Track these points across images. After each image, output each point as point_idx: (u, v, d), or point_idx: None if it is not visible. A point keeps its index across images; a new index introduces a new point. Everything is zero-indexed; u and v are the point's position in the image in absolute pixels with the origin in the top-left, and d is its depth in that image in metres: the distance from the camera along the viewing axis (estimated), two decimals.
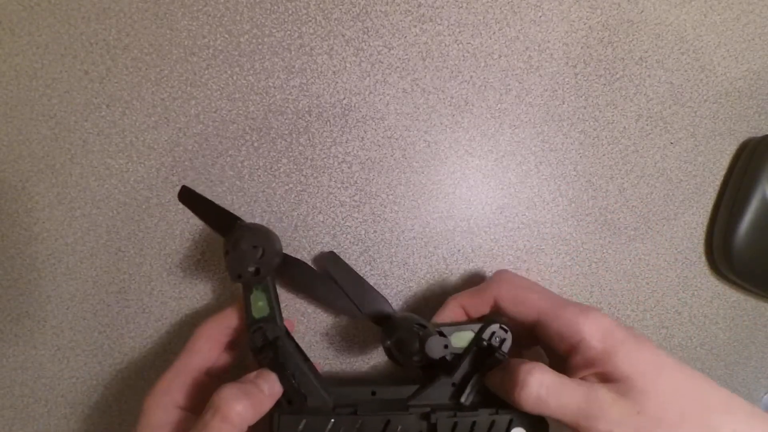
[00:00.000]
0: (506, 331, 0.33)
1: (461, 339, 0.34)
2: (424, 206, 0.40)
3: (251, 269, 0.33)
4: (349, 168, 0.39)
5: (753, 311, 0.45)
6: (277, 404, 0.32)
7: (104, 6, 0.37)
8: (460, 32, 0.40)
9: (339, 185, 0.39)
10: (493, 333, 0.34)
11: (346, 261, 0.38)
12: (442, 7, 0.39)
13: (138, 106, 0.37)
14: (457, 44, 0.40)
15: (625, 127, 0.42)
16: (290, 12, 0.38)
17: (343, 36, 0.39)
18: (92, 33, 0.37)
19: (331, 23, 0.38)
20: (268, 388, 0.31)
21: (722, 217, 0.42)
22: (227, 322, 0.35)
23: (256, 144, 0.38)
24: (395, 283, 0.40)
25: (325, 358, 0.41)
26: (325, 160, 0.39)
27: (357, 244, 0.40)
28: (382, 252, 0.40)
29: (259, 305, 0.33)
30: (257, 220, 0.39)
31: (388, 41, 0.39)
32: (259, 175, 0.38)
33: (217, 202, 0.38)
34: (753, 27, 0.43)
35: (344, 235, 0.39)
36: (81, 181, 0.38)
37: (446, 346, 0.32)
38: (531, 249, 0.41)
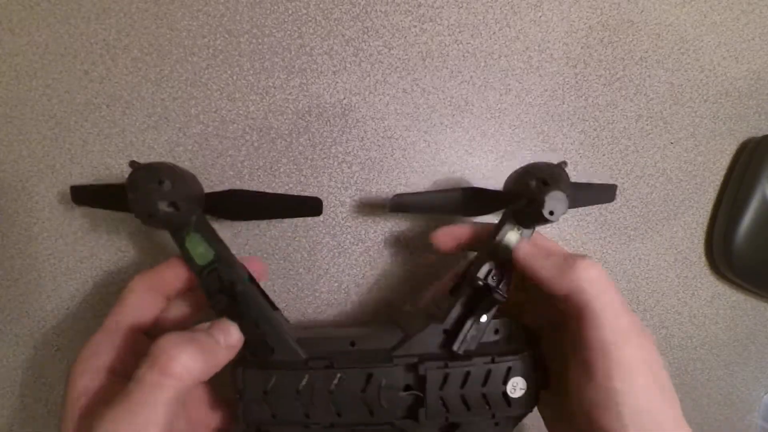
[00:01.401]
0: (503, 270, 0.30)
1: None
2: None
3: (164, 204, 0.27)
4: (349, 168, 0.39)
5: (753, 311, 0.45)
6: (240, 359, 0.28)
7: (104, 6, 0.37)
8: (460, 32, 0.40)
9: (339, 185, 0.39)
10: (489, 271, 0.30)
11: (346, 261, 0.38)
12: (442, 7, 0.39)
13: (138, 106, 0.37)
14: (457, 44, 0.40)
15: (625, 127, 0.42)
16: (290, 12, 0.38)
17: (343, 36, 0.39)
18: (92, 33, 0.37)
19: (331, 23, 0.38)
20: (223, 338, 0.26)
21: (722, 217, 0.42)
22: (167, 271, 0.29)
23: (256, 144, 0.38)
24: (396, 283, 0.40)
25: (294, 308, 0.39)
26: (325, 160, 0.39)
27: (357, 245, 0.40)
28: (383, 252, 0.40)
29: (200, 251, 0.29)
30: (257, 220, 0.39)
31: (388, 41, 0.39)
32: (259, 175, 0.38)
33: None
34: (753, 27, 0.43)
35: (344, 235, 0.39)
36: (81, 181, 0.38)
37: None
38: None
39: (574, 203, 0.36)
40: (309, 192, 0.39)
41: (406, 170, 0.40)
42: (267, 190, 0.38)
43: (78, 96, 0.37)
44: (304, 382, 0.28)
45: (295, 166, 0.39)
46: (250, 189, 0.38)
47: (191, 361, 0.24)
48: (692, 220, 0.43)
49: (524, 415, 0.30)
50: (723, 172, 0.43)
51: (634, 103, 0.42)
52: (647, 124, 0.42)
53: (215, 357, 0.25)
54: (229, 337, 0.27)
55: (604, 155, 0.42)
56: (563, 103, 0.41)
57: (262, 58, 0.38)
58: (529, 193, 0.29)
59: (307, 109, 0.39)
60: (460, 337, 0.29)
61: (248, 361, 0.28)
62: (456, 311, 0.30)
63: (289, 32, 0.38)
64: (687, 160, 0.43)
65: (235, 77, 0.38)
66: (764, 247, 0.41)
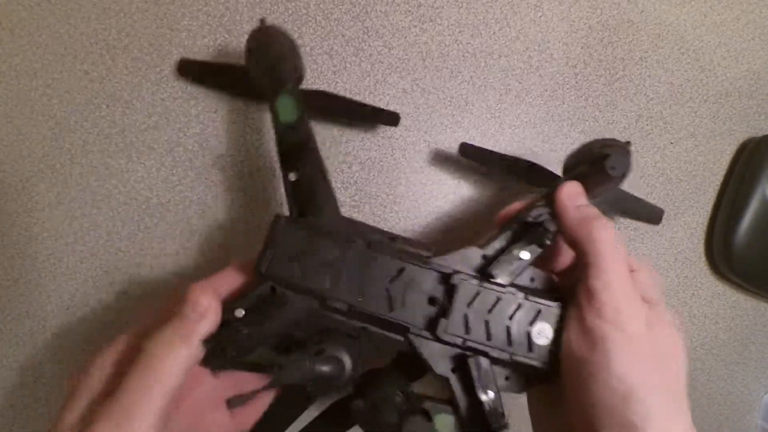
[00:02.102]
0: (554, 220, 0.29)
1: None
2: (424, 206, 0.40)
3: (283, 63, 0.31)
4: (349, 168, 0.39)
5: (753, 311, 0.45)
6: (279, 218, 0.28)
7: (104, 6, 0.37)
8: (460, 32, 0.40)
9: (339, 185, 0.39)
10: (541, 215, 0.29)
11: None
12: (442, 7, 0.39)
13: (138, 106, 0.37)
14: (457, 44, 0.40)
15: (625, 127, 0.42)
16: (290, 12, 0.38)
17: (343, 36, 0.39)
18: (92, 33, 0.37)
19: (331, 23, 0.38)
20: (193, 311, 0.26)
21: (722, 217, 0.42)
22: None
23: (255, 144, 0.38)
24: None
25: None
26: (325, 160, 0.39)
27: None
28: None
29: (287, 111, 0.31)
30: (257, 221, 0.39)
31: (388, 41, 0.39)
32: (260, 175, 0.38)
33: (216, 202, 0.38)
34: (753, 27, 0.43)
35: None
36: (81, 181, 0.38)
37: None
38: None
39: (622, 212, 0.36)
40: None
41: (406, 170, 0.39)
42: (267, 190, 0.38)
43: (78, 96, 0.37)
44: (338, 254, 0.28)
45: None
46: (250, 188, 0.38)
47: (178, 357, 0.24)
48: (692, 220, 0.43)
49: (537, 374, 0.28)
50: (723, 172, 0.43)
51: (634, 103, 0.42)
52: (647, 124, 0.42)
53: (194, 337, 0.25)
54: (198, 306, 0.26)
55: None
56: (563, 103, 0.41)
57: None
58: (591, 156, 0.30)
59: None
60: (499, 262, 0.28)
61: (291, 216, 0.28)
62: (499, 241, 0.29)
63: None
64: (687, 160, 0.43)
65: None
66: (764, 247, 0.41)
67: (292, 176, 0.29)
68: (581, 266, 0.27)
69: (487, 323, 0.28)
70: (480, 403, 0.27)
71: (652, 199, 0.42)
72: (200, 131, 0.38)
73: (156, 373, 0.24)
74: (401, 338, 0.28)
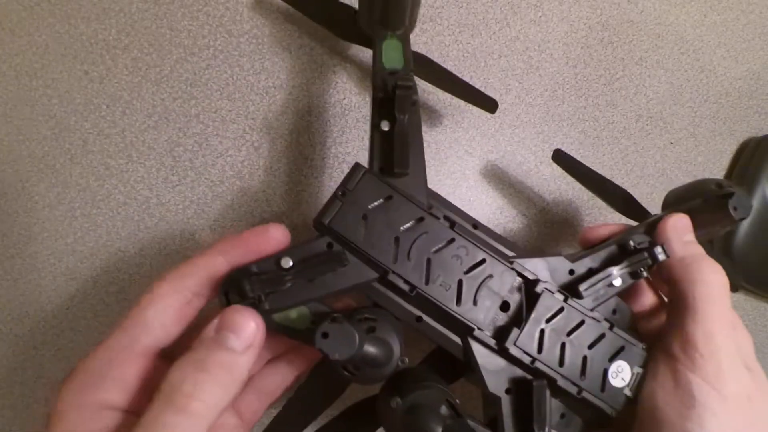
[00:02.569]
0: (655, 250, 0.25)
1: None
2: None
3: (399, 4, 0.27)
4: (349, 168, 0.39)
5: (753, 311, 0.44)
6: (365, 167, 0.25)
7: (104, 6, 0.37)
8: (460, 32, 0.40)
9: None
10: (642, 243, 0.26)
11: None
12: (442, 7, 0.39)
13: (138, 106, 0.37)
14: (457, 44, 0.40)
15: (625, 127, 0.42)
16: (290, 12, 0.38)
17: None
18: (92, 33, 0.37)
19: None
20: (237, 339, 0.21)
21: None
22: (196, 277, 0.24)
23: (256, 144, 0.38)
24: None
25: None
26: (325, 160, 0.39)
27: None
28: None
29: (392, 56, 0.28)
30: (257, 221, 0.39)
31: None
32: (260, 175, 0.38)
33: (216, 202, 0.38)
34: (753, 27, 0.43)
35: None
36: (81, 181, 0.38)
37: None
38: (532, 249, 0.41)
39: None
40: (309, 192, 0.39)
41: None
42: (267, 190, 0.38)
43: (78, 96, 0.37)
44: (414, 226, 0.24)
45: (295, 166, 0.39)
46: (250, 188, 0.38)
47: (210, 395, 0.20)
48: None
49: (599, 419, 0.25)
50: (723, 172, 0.43)
51: (634, 103, 0.42)
52: (647, 124, 0.42)
53: (236, 374, 0.21)
54: (243, 332, 0.21)
55: (604, 155, 0.42)
56: (563, 103, 0.41)
57: (262, 58, 0.38)
58: (706, 193, 0.27)
59: (307, 109, 0.39)
60: (590, 281, 0.25)
61: (371, 170, 0.25)
62: (592, 260, 0.26)
63: (289, 32, 0.38)
64: (687, 160, 0.43)
65: (235, 77, 0.38)
66: (764, 247, 0.41)
67: (385, 125, 0.26)
68: (677, 310, 0.24)
69: (563, 346, 0.24)
70: None
71: (652, 199, 0.42)
72: (200, 131, 0.38)
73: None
74: (458, 339, 0.25)
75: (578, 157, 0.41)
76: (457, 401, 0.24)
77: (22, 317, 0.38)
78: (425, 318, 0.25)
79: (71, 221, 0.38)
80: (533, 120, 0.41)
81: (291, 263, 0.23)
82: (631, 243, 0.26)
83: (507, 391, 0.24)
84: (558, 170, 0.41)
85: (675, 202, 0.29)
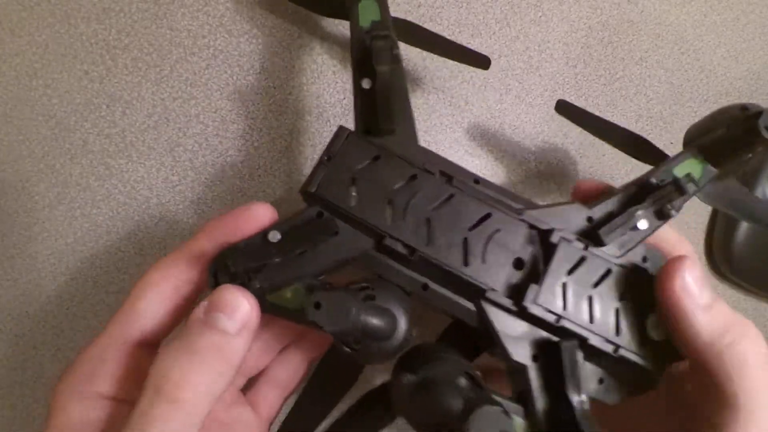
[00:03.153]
0: (681, 180, 0.23)
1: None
2: None
3: None
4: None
5: (753, 311, 0.44)
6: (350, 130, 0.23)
7: (104, 6, 0.37)
8: (460, 32, 0.40)
9: None
10: (665, 179, 0.23)
11: None
12: (442, 7, 0.39)
13: (138, 106, 0.37)
14: None
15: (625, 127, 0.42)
16: (290, 12, 0.38)
17: (343, 36, 0.39)
18: (92, 33, 0.37)
19: (331, 23, 0.38)
20: (229, 320, 0.20)
21: (722, 217, 0.42)
22: (184, 261, 0.23)
23: (256, 144, 0.38)
24: None
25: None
26: None
27: None
28: None
29: (368, 16, 0.27)
30: None
31: None
32: (259, 175, 0.38)
33: (216, 202, 0.38)
34: (753, 27, 0.43)
35: None
36: (81, 181, 0.38)
37: None
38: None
39: (712, 199, 0.28)
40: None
41: None
42: (267, 190, 0.38)
43: (78, 96, 0.37)
44: (407, 185, 0.22)
45: (294, 166, 0.39)
46: (250, 188, 0.38)
47: (202, 382, 0.19)
48: (692, 220, 0.43)
49: (641, 380, 0.22)
50: None
51: (634, 103, 0.42)
52: (647, 124, 0.42)
53: (230, 357, 0.19)
54: (235, 312, 0.20)
55: (604, 155, 0.42)
56: None
57: (262, 58, 0.38)
58: (731, 120, 0.24)
59: (307, 109, 0.39)
60: (611, 225, 0.22)
61: (356, 131, 0.23)
62: (610, 204, 0.23)
63: (289, 32, 0.38)
64: None
65: (235, 77, 0.38)
66: (764, 247, 0.41)
67: (365, 83, 0.24)
68: (713, 402, 0.20)
69: (590, 300, 0.22)
70: (569, 406, 0.20)
71: None
72: (200, 131, 0.38)
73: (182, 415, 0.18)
74: (470, 305, 0.22)
75: (578, 157, 0.41)
76: (478, 373, 0.21)
77: (22, 317, 0.38)
78: (431, 285, 0.22)
79: (71, 221, 0.38)
80: (533, 120, 0.41)
81: (279, 236, 0.22)
82: (654, 180, 0.24)
83: (534, 359, 0.22)
84: (558, 170, 0.41)
85: (698, 135, 0.26)
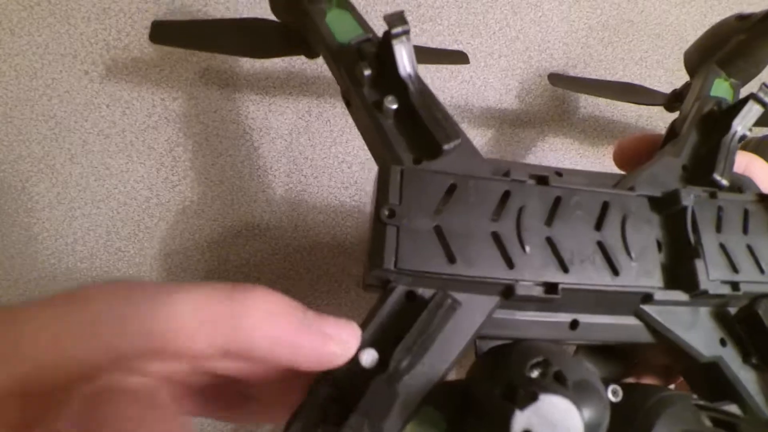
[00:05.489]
0: (759, 93, 0.20)
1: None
2: None
3: None
4: (349, 168, 0.39)
5: None
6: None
7: (104, 6, 0.37)
8: (460, 32, 0.40)
9: (339, 185, 0.39)
10: (720, 102, 0.21)
11: (346, 261, 0.38)
12: (442, 7, 0.39)
13: (138, 106, 0.37)
14: (457, 44, 0.40)
15: (625, 127, 0.42)
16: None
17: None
18: (92, 33, 0.37)
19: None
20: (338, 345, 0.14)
21: None
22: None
23: (256, 144, 0.38)
24: None
25: None
26: (325, 160, 0.39)
27: (358, 245, 0.40)
28: None
29: (344, 29, 0.23)
30: (257, 220, 0.39)
31: None
32: (259, 175, 0.38)
33: (216, 202, 0.38)
34: None
35: (344, 235, 0.39)
36: (81, 181, 0.38)
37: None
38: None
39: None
40: (309, 192, 0.39)
41: None
42: (267, 190, 0.38)
43: (78, 96, 0.37)
44: (499, 204, 0.17)
45: (295, 166, 0.39)
46: (250, 188, 0.38)
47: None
48: None
49: None
50: None
51: None
52: (647, 124, 0.42)
53: None
54: (349, 345, 0.14)
55: (604, 155, 0.42)
56: (563, 103, 0.41)
57: (262, 58, 0.38)
58: (733, 32, 0.22)
59: (307, 109, 0.39)
60: (720, 158, 0.19)
61: (405, 164, 0.17)
62: (693, 138, 0.20)
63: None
64: None
65: (235, 77, 0.38)
66: None
67: (391, 102, 0.18)
68: None
69: (750, 249, 0.18)
70: None
71: None
72: (200, 131, 0.38)
73: None
74: (632, 320, 0.17)
75: (578, 156, 0.41)
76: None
77: None
78: (582, 318, 0.17)
79: (71, 221, 0.38)
80: (533, 120, 0.41)
81: (375, 355, 0.15)
82: (713, 108, 0.21)
83: (722, 342, 0.18)
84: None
85: (702, 57, 0.24)
